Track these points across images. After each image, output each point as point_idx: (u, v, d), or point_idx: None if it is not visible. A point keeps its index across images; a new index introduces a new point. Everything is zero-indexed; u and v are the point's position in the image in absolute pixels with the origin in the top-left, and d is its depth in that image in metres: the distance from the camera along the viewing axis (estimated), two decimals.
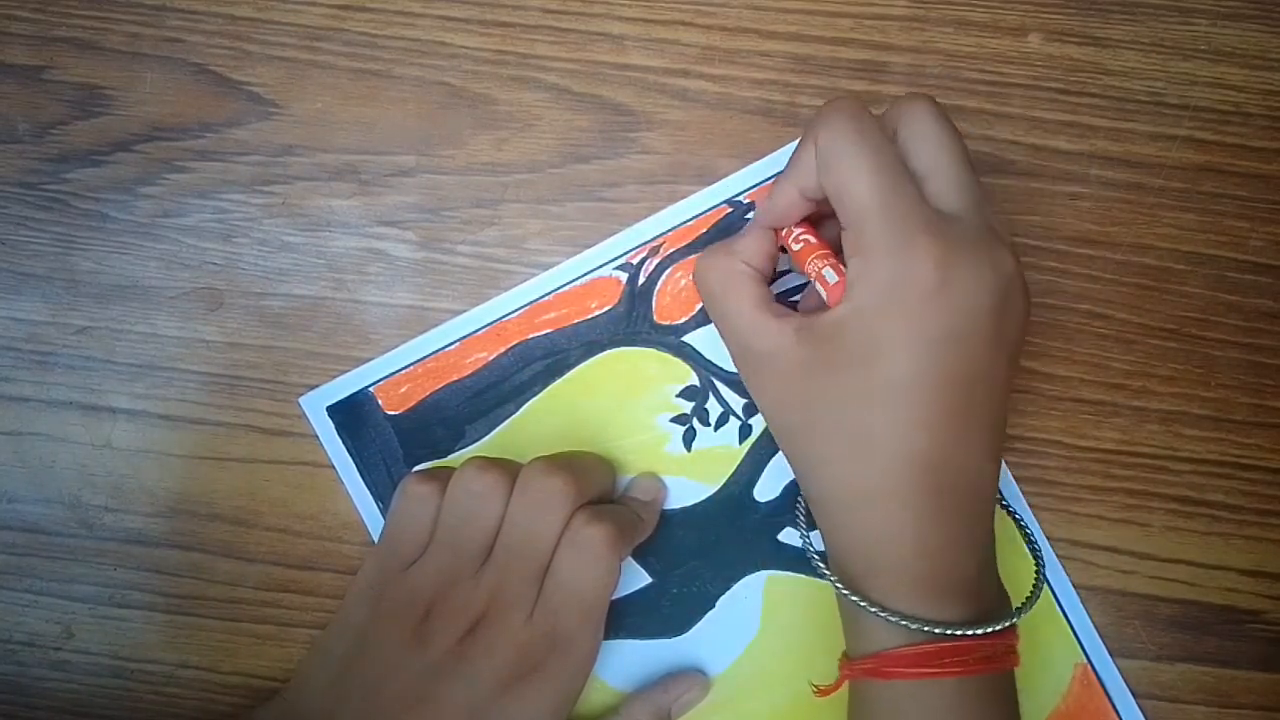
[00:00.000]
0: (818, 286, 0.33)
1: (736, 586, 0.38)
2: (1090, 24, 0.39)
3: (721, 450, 0.38)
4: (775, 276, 0.37)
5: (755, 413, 0.38)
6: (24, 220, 0.39)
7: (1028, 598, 0.33)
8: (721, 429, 0.38)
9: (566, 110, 0.39)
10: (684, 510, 0.38)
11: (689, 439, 0.38)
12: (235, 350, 0.39)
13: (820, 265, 0.33)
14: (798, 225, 0.34)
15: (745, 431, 0.38)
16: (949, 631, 0.30)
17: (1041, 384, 0.38)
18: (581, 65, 0.39)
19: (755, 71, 0.39)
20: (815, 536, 0.36)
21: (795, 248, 0.34)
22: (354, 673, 0.34)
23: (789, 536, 0.38)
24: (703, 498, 0.38)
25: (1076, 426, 0.38)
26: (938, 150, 0.31)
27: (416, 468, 0.38)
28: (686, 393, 0.38)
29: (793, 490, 0.38)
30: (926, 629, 0.30)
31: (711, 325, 0.38)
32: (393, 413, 0.38)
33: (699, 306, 0.38)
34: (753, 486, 0.38)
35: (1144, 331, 0.39)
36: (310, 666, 0.35)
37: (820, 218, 0.35)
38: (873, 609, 0.31)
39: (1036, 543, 0.36)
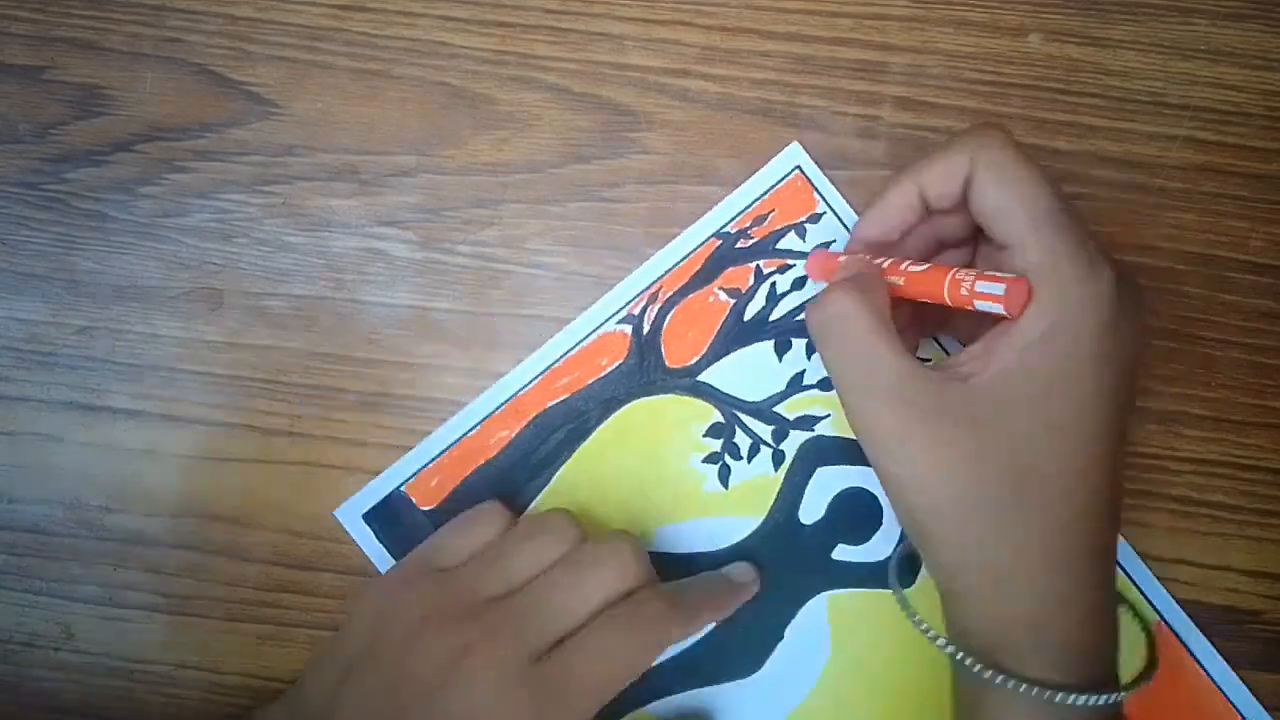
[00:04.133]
0: (980, 292, 0.28)
1: (801, 613, 0.38)
2: (1090, 24, 0.39)
3: (760, 480, 0.38)
4: None
5: (785, 438, 0.38)
6: (24, 220, 0.39)
7: (1148, 664, 0.32)
8: (755, 459, 0.38)
9: (566, 110, 0.39)
10: (734, 547, 0.38)
11: (724, 475, 0.38)
12: (235, 350, 0.39)
13: (971, 281, 0.28)
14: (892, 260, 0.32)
15: (779, 458, 0.38)
16: (1109, 698, 0.28)
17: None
18: (581, 65, 0.39)
19: (755, 71, 0.39)
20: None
21: (914, 270, 0.31)
22: (378, 657, 0.33)
23: (843, 553, 0.38)
24: (750, 531, 0.38)
25: None
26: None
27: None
28: (713, 431, 0.38)
29: (841, 505, 0.38)
30: (1096, 700, 0.28)
31: (727, 359, 0.38)
32: (428, 508, 0.38)
33: (709, 342, 0.38)
34: (797, 510, 0.38)
35: (1144, 331, 0.38)
36: (319, 663, 0.35)
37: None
38: (1024, 687, 0.28)
39: (1139, 609, 0.34)
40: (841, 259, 0.34)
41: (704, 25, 0.39)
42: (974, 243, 0.34)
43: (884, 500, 0.38)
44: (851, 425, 0.31)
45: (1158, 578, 0.38)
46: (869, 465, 0.31)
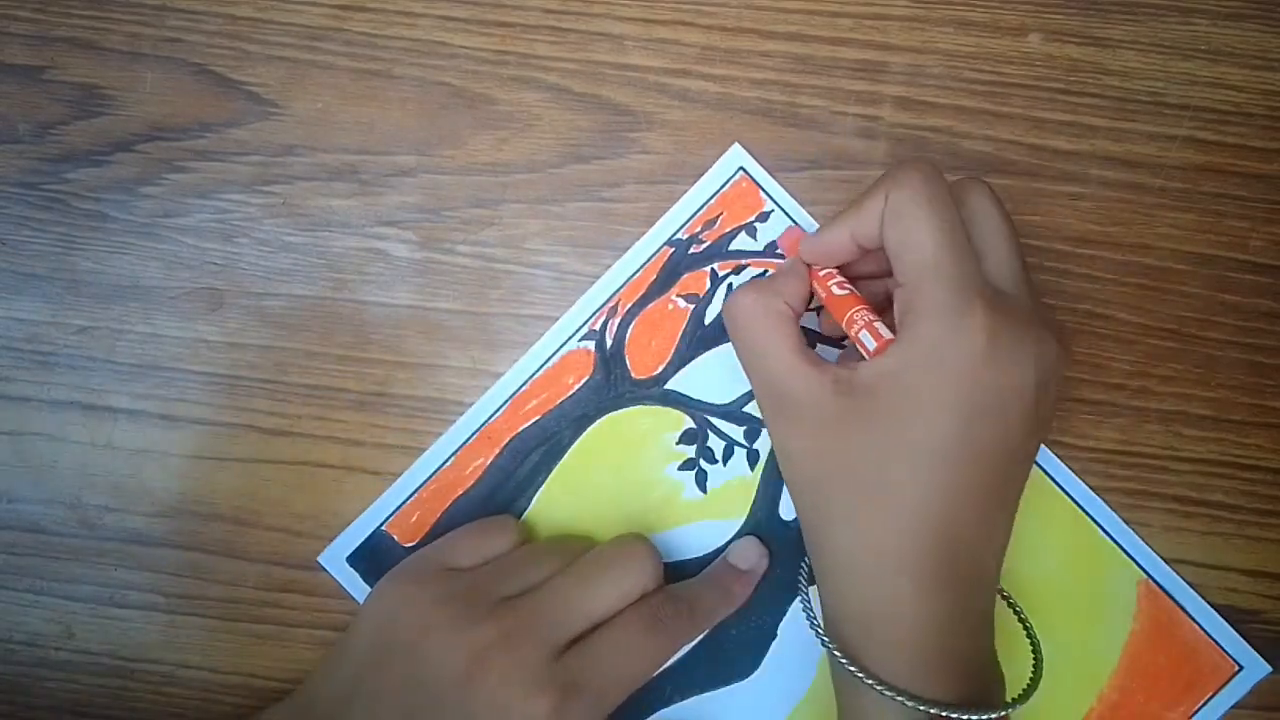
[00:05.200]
0: (860, 339, 0.32)
1: (791, 610, 0.38)
2: (1090, 24, 0.39)
3: (737, 482, 0.38)
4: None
5: (758, 437, 0.38)
6: (25, 220, 0.39)
7: (1025, 688, 0.33)
8: (730, 461, 0.38)
9: (566, 110, 0.39)
10: (719, 551, 0.38)
11: (701, 480, 0.38)
12: (235, 350, 0.39)
13: (863, 320, 0.32)
14: (834, 271, 0.34)
15: (754, 457, 0.38)
16: (945, 713, 0.29)
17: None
18: (581, 65, 0.39)
19: (755, 71, 0.39)
20: (814, 595, 0.34)
21: (836, 292, 0.33)
22: (393, 655, 0.33)
23: None
24: (733, 533, 0.38)
25: (1076, 426, 0.38)
26: (995, 231, 0.32)
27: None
28: (686, 437, 0.38)
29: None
30: (922, 707, 0.29)
31: (692, 365, 0.38)
32: (410, 544, 0.38)
33: (673, 350, 0.38)
34: (777, 506, 0.38)
35: (1144, 331, 0.38)
36: (329, 662, 0.35)
37: (851, 278, 0.34)
38: (869, 680, 0.30)
39: (1033, 634, 0.35)
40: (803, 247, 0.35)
41: (704, 25, 0.39)
42: None
43: None
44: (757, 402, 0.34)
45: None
46: None
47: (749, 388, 0.38)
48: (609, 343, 0.39)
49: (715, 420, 0.38)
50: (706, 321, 0.39)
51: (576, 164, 0.39)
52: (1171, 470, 0.38)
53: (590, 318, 0.39)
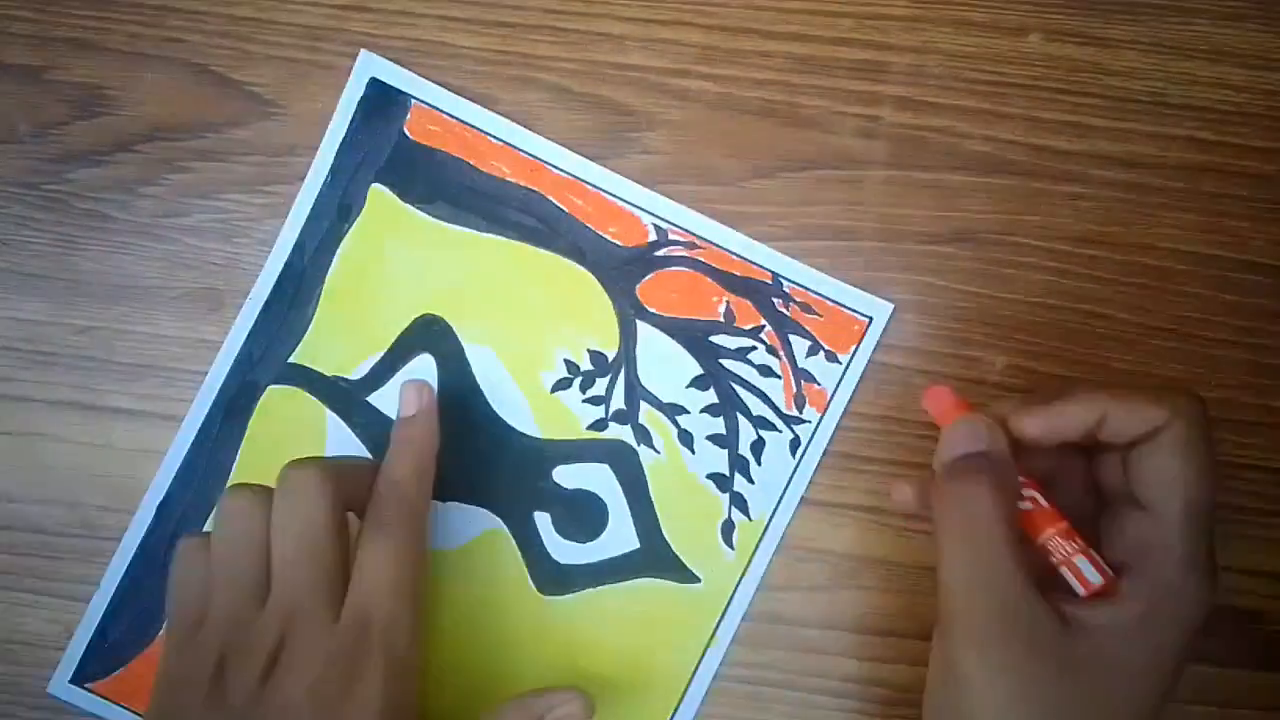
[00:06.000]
0: (1077, 566, 0.30)
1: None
2: (1091, 24, 0.39)
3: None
4: None
5: None
6: (25, 220, 0.39)
7: None
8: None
9: (567, 110, 0.39)
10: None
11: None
12: None
13: (1072, 550, 0.30)
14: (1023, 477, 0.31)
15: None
16: None
17: (1041, 384, 0.38)
18: (582, 65, 0.39)
19: (755, 71, 0.39)
20: None
21: (1038, 504, 0.31)
22: None
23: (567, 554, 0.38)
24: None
25: None
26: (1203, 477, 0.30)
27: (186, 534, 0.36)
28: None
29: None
30: None
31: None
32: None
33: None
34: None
35: (1145, 331, 0.38)
36: None
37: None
38: None
39: None
40: (975, 417, 0.31)
41: (704, 25, 0.39)
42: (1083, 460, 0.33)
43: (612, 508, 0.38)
44: (943, 606, 0.30)
45: None
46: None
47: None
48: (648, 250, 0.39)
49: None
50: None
51: None
52: None
53: (662, 219, 0.38)
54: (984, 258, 0.39)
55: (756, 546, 0.38)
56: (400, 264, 0.38)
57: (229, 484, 0.38)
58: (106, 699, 0.38)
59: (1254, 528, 0.38)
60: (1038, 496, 0.31)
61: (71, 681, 0.38)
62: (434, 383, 0.38)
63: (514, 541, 0.38)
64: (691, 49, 0.39)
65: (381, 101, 0.39)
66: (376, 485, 0.35)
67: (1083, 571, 0.30)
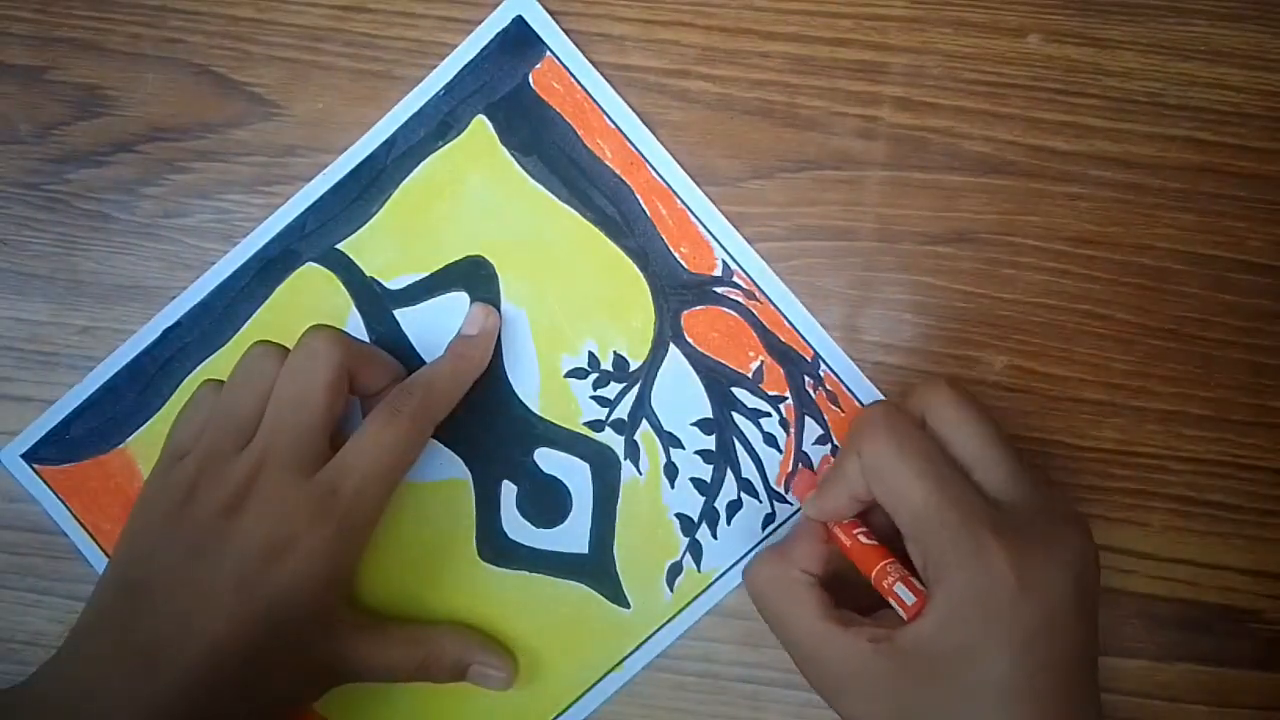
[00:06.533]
0: (895, 593, 0.32)
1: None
2: (1090, 25, 0.39)
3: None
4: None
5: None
6: (26, 221, 0.39)
7: None
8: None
9: None
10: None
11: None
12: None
13: (891, 580, 0.32)
14: (857, 520, 0.34)
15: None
16: None
17: (1041, 384, 0.39)
18: None
19: (755, 72, 0.39)
20: None
21: (862, 542, 0.33)
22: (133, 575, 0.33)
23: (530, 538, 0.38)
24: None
25: (1076, 426, 0.38)
26: (973, 435, 0.32)
27: None
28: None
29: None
30: None
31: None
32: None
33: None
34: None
35: (1144, 331, 0.39)
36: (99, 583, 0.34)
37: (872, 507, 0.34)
38: None
39: None
40: (805, 503, 0.35)
41: (704, 26, 0.39)
42: None
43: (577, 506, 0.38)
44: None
45: (1155, 577, 0.38)
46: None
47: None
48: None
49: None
50: None
51: None
52: (1171, 470, 0.38)
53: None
54: (983, 258, 0.39)
55: (694, 599, 0.38)
56: (474, 199, 0.38)
57: (236, 338, 0.38)
58: (46, 483, 0.38)
59: (1253, 528, 0.38)
60: (860, 537, 0.33)
61: (23, 456, 0.38)
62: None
63: (474, 498, 0.38)
64: (691, 49, 0.39)
65: (519, 41, 0.38)
66: (412, 377, 0.36)
67: (901, 597, 0.31)
